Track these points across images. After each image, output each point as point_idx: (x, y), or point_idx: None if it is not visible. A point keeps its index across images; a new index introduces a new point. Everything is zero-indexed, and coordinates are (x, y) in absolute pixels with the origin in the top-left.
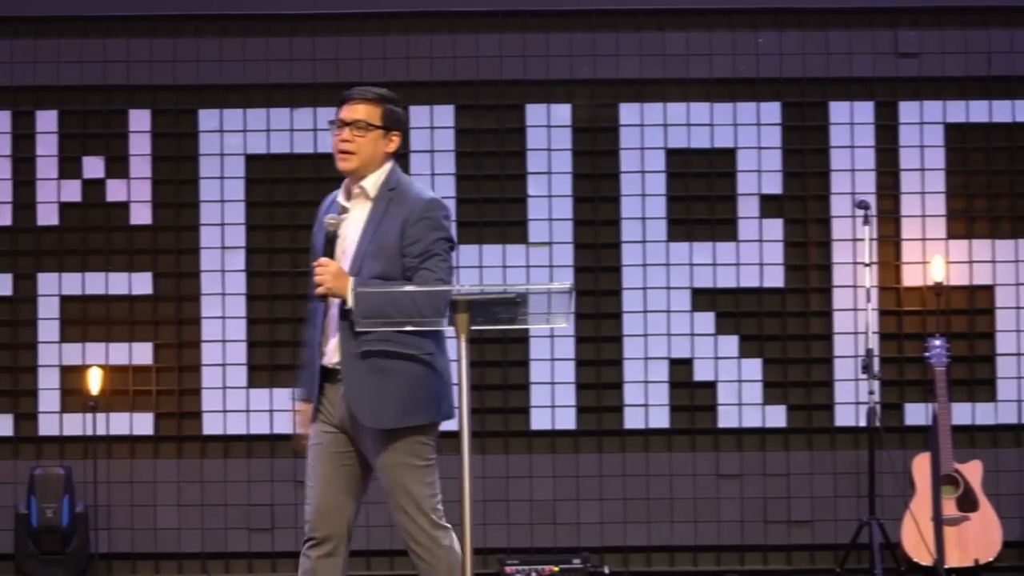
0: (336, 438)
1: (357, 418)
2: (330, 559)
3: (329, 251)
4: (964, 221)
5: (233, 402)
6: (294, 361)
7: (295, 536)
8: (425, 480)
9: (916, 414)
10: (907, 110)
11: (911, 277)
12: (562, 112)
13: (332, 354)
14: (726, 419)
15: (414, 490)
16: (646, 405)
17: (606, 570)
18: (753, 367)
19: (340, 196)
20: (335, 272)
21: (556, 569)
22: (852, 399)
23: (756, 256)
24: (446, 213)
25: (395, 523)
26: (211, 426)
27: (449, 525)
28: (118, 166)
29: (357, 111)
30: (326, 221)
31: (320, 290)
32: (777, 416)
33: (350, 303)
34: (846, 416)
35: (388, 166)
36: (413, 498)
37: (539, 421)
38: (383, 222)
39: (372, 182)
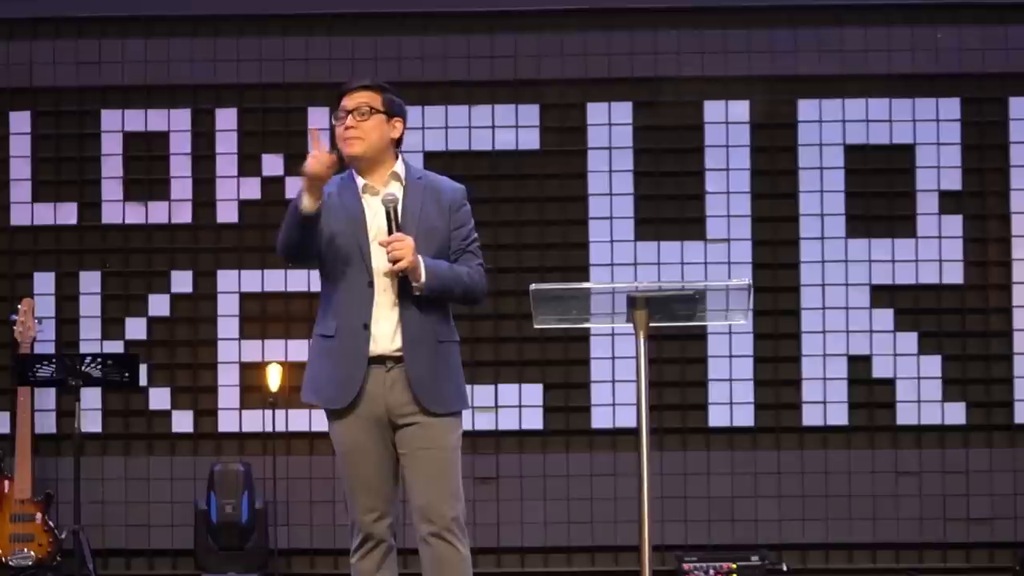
0: (378, 433)
1: (421, 402)
2: (388, 557)
3: (395, 226)
4: None
5: None
6: (472, 358)
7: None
8: (459, 468)
9: None
10: None
11: None
12: (740, 108)
13: (386, 340)
14: (905, 416)
15: (455, 476)
16: (824, 402)
17: (784, 567)
18: (932, 364)
19: (358, 181)
20: (412, 247)
21: (734, 566)
22: None
23: (935, 252)
24: None
25: (421, 510)
26: None
27: None
28: (298, 164)
29: (357, 98)
30: (385, 197)
31: (401, 264)
32: (956, 413)
33: (423, 279)
34: None
35: (401, 155)
36: (455, 483)
37: (717, 418)
38: (424, 206)
39: (401, 168)
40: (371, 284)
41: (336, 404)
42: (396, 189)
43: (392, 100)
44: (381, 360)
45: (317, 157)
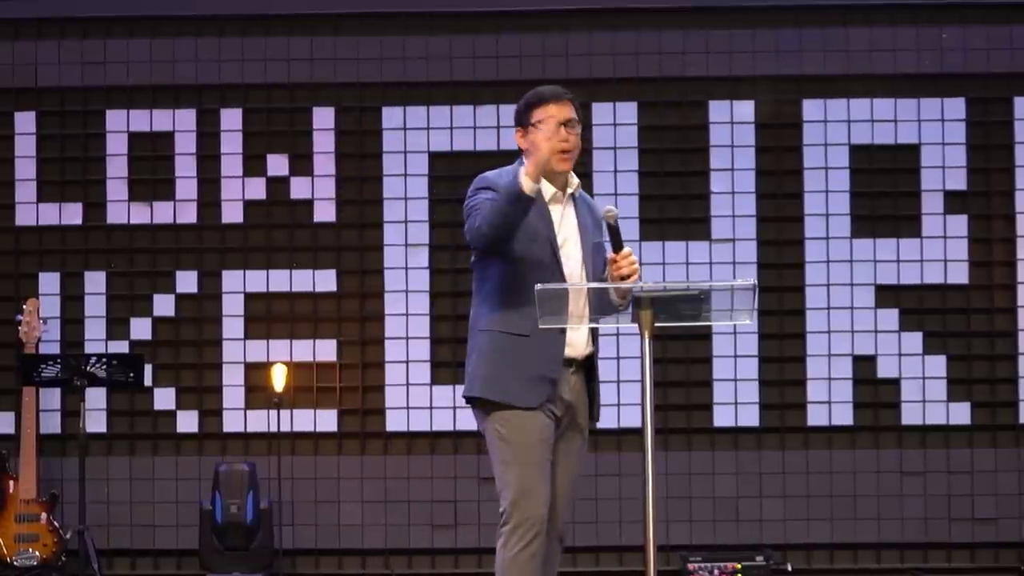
0: (553, 428)
1: (593, 411)
2: (550, 547)
3: (620, 241)
4: None
5: (416, 399)
6: None
7: (478, 532)
8: None
9: None
10: None
11: None
12: (745, 108)
13: (581, 345)
14: (910, 416)
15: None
16: (829, 402)
17: (789, 567)
18: (937, 364)
19: (544, 191)
20: (636, 262)
21: (739, 566)
22: None
23: (940, 252)
24: None
25: (554, 507)
26: (394, 423)
27: None
28: (302, 164)
29: (571, 110)
30: (605, 213)
31: (632, 280)
32: (961, 413)
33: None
34: None
35: None
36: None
37: (722, 418)
38: (589, 220)
39: (573, 180)
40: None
41: (528, 403)
42: (564, 202)
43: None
44: (571, 363)
45: (552, 141)
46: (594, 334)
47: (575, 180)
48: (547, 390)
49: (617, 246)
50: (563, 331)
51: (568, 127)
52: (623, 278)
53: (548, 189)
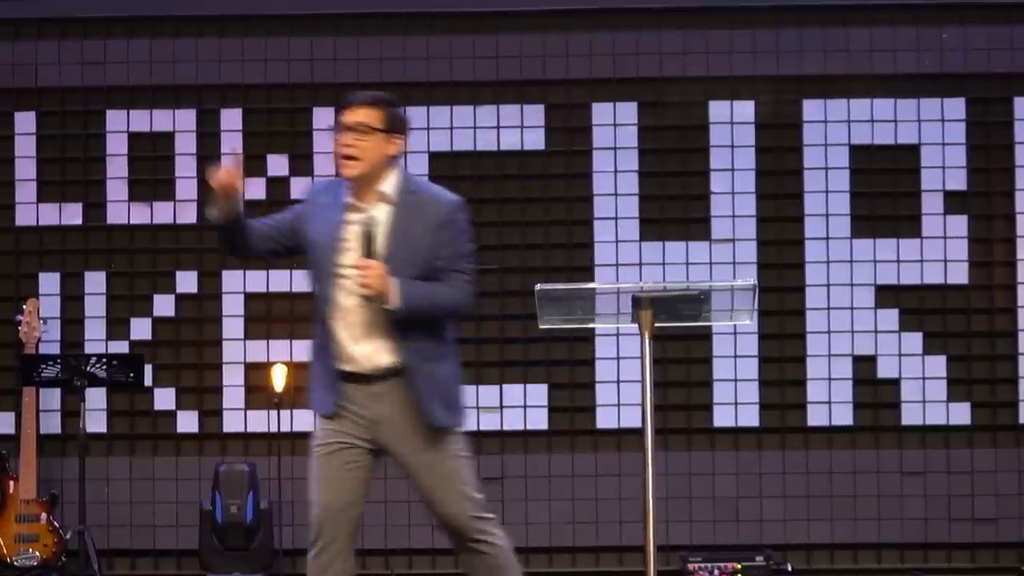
0: (350, 444)
1: (429, 415)
2: (336, 561)
3: (369, 251)
4: None
5: None
6: (477, 358)
7: None
8: (471, 472)
9: None
10: None
11: None
12: (745, 109)
13: (370, 358)
14: (910, 416)
15: (468, 480)
16: (829, 402)
17: (789, 567)
18: (937, 364)
19: (347, 195)
20: (381, 275)
21: (739, 566)
22: None
23: (940, 253)
24: (467, 214)
25: (444, 520)
26: None
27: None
28: (302, 164)
29: (358, 115)
30: (363, 222)
31: (366, 292)
32: (961, 413)
33: (394, 304)
34: None
35: (399, 169)
36: (469, 488)
37: (722, 418)
38: (410, 226)
39: (391, 186)
40: (340, 301)
41: (320, 409)
42: (383, 209)
43: (393, 116)
44: (362, 378)
45: (225, 174)
46: (431, 342)
47: (392, 183)
48: (331, 399)
49: (367, 254)
50: (338, 344)
51: (355, 132)
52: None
53: (347, 196)
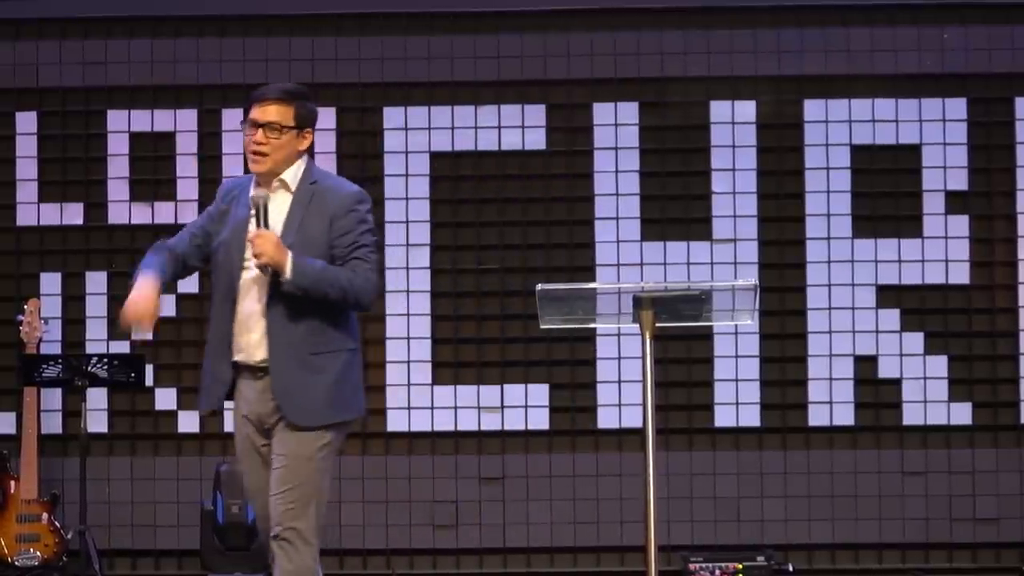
0: (255, 434)
1: (284, 413)
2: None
3: (265, 222)
4: None
5: (417, 399)
6: (478, 358)
7: (479, 532)
8: (325, 482)
9: None
10: None
11: None
12: (746, 109)
13: (253, 349)
14: (911, 416)
15: (314, 486)
16: (831, 402)
17: (790, 567)
18: (938, 364)
19: (253, 188)
20: (275, 242)
21: (740, 566)
22: None
23: (941, 253)
24: (370, 206)
25: (269, 511)
26: (395, 423)
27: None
28: None
29: (269, 112)
30: (254, 194)
31: (260, 260)
32: (963, 413)
33: (288, 275)
34: None
35: (304, 160)
36: (310, 495)
37: (723, 418)
38: (307, 215)
39: (292, 175)
40: (240, 290)
41: (205, 405)
42: (283, 198)
43: (304, 111)
44: (251, 369)
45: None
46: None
47: (293, 174)
48: (219, 392)
49: (257, 227)
50: (230, 334)
51: (266, 130)
52: (257, 256)
53: (253, 188)
